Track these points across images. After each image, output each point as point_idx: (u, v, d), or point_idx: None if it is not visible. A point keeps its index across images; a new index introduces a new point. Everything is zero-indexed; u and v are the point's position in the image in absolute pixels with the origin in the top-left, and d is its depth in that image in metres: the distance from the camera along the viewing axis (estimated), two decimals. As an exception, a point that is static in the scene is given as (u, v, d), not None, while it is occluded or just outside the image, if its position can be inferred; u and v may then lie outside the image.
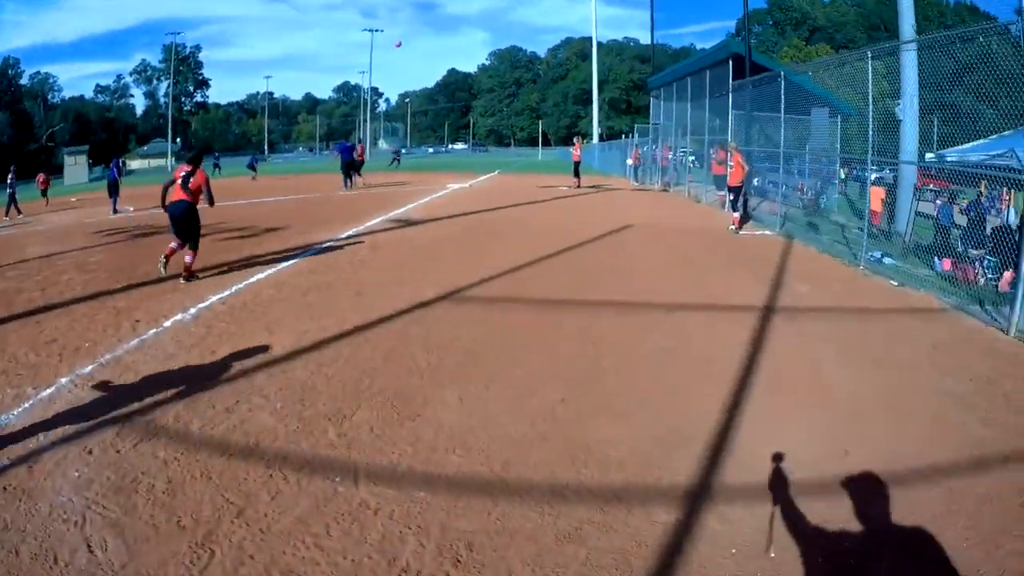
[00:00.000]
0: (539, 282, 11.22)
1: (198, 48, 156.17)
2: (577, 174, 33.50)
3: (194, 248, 11.67)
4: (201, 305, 9.66)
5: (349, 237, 16.16)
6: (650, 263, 13.03)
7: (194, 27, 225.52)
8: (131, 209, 26.19)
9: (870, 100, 12.79)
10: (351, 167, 32.65)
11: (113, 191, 26.67)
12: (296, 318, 8.93)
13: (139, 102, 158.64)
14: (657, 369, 7.07)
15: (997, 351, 7.85)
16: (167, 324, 8.71)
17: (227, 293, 10.39)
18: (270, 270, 12.17)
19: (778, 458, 4.90)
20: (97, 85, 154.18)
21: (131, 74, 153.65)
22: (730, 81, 22.31)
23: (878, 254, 13.18)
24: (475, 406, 6.06)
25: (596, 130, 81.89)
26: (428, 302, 9.82)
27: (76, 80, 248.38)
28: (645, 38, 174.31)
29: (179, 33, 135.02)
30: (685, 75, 29.14)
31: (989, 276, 11.77)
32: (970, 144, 14.44)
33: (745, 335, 8.19)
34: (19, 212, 28.80)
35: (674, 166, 33.57)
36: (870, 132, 12.84)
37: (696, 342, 8.02)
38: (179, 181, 11.62)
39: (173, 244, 11.69)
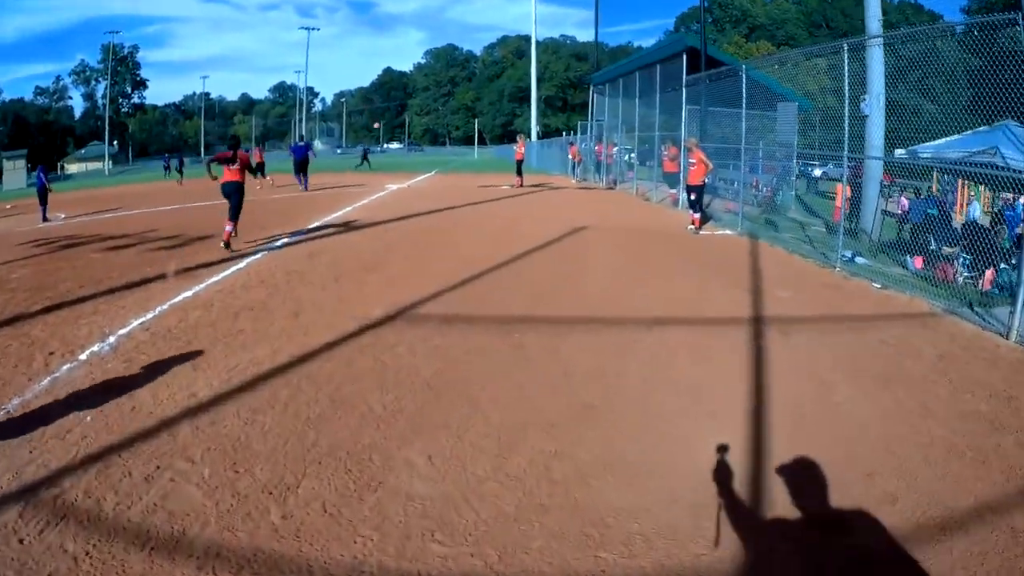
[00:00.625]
0: (497, 295, 10.15)
1: (136, 48, 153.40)
2: (520, 173, 32.58)
3: (236, 214, 14.53)
4: (122, 332, 8.35)
5: (285, 244, 14.93)
6: (614, 270, 12.07)
7: (133, 27, 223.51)
8: (62, 216, 24.74)
9: (846, 94, 12.17)
10: (303, 167, 31.18)
11: (43, 198, 25.28)
12: (226, 348, 7.65)
13: (77, 104, 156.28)
14: (653, 405, 6.04)
15: (1003, 359, 7.42)
16: (83, 357, 7.45)
17: (151, 316, 9.07)
18: (198, 286, 10.82)
19: (723, 449, 4.91)
20: (37, 87, 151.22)
21: (70, 75, 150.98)
22: (684, 76, 21.55)
23: (849, 253, 12.66)
24: (450, 467, 4.93)
25: (535, 128, 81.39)
26: (377, 323, 8.59)
27: (16, 82, 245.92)
28: (582, 36, 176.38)
29: (118, 32, 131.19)
30: (634, 70, 28.43)
31: (966, 275, 11.47)
32: (943, 140, 14.05)
33: (740, 355, 7.36)
34: None
35: (619, 163, 32.93)
36: (845, 127, 12.19)
37: (687, 366, 7.03)
38: (228, 164, 14.59)
39: (228, 227, 14.30)
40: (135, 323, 8.72)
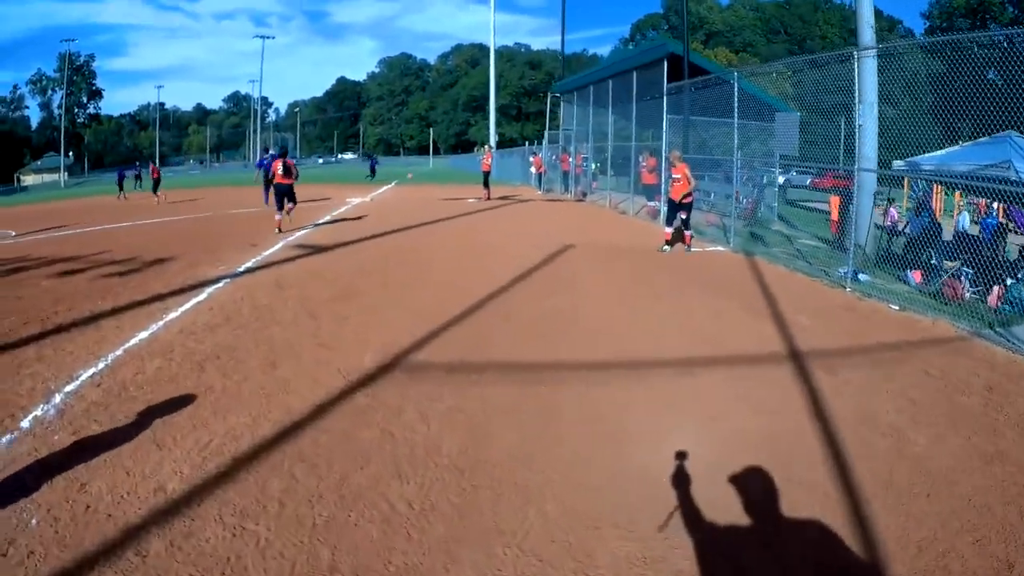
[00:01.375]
0: (498, 333, 9.00)
1: (92, 57, 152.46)
2: (487, 185, 31.37)
3: (293, 202, 20.33)
4: (69, 388, 7.03)
5: (248, 270, 13.59)
6: (619, 296, 11.15)
7: (89, 35, 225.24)
8: (12, 234, 22.99)
9: (856, 103, 11.61)
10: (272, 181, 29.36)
11: None
12: (194, 415, 6.30)
13: (34, 114, 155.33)
14: (737, 478, 5.04)
15: (1050, 390, 7.07)
16: (25, 423, 6.14)
17: (103, 365, 7.74)
18: (156, 324, 9.48)
19: (681, 456, 5.14)
20: None
21: (27, 84, 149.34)
22: (665, 83, 20.68)
23: (848, 270, 12.05)
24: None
25: (493, 138, 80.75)
26: (370, 376, 7.29)
27: None
28: (535, 44, 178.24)
29: (73, 40, 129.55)
30: (607, 77, 27.42)
31: (971, 290, 11.08)
32: (943, 151, 13.65)
33: (795, 401, 6.57)
34: None
35: (588, 174, 32.29)
36: (856, 137, 11.99)
37: (746, 420, 6.13)
38: (280, 171, 19.55)
39: (278, 216, 19.66)
40: (84, 375, 7.45)
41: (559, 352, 8.21)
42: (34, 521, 4.53)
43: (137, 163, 49.62)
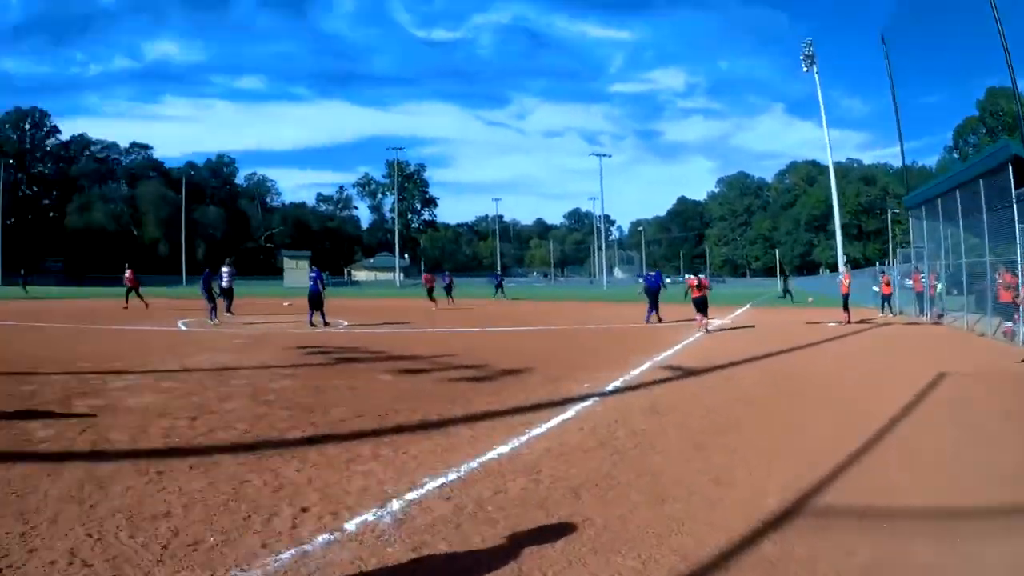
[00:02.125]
0: (905, 476, 7.70)
1: (422, 167, 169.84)
2: (847, 308, 31.04)
3: (705, 313, 26.23)
4: (411, 496, 6.49)
5: (616, 390, 12.87)
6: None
7: (415, 146, 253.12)
8: (344, 323, 24.77)
9: None
10: (655, 296, 30.67)
11: (315, 304, 24.07)
12: (568, 549, 5.39)
13: (363, 215, 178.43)
14: None
15: None
16: (350, 526, 5.65)
17: (454, 477, 7.18)
18: (518, 440, 8.88)
19: None
20: (319, 194, 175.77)
21: (354, 186, 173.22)
22: (1012, 190, 19.01)
23: None
24: None
25: (841, 258, 79.47)
26: (775, 520, 6.17)
27: (293, 188, 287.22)
28: (866, 159, 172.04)
29: (401, 149, 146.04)
30: (952, 188, 25.85)
31: None
32: None
33: None
34: (229, 312, 27.26)
35: (941, 294, 30.90)
36: None
37: None
38: (696, 284, 26.26)
39: (702, 319, 25.96)
40: (431, 485, 6.87)
41: (972, 498, 6.96)
42: None
43: (496, 274, 51.87)
